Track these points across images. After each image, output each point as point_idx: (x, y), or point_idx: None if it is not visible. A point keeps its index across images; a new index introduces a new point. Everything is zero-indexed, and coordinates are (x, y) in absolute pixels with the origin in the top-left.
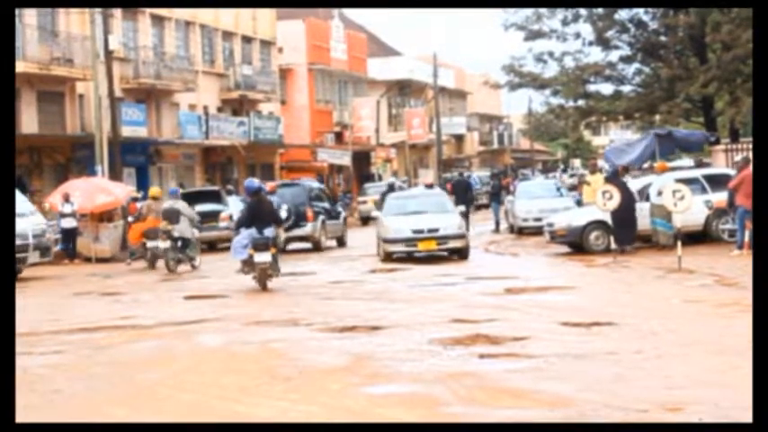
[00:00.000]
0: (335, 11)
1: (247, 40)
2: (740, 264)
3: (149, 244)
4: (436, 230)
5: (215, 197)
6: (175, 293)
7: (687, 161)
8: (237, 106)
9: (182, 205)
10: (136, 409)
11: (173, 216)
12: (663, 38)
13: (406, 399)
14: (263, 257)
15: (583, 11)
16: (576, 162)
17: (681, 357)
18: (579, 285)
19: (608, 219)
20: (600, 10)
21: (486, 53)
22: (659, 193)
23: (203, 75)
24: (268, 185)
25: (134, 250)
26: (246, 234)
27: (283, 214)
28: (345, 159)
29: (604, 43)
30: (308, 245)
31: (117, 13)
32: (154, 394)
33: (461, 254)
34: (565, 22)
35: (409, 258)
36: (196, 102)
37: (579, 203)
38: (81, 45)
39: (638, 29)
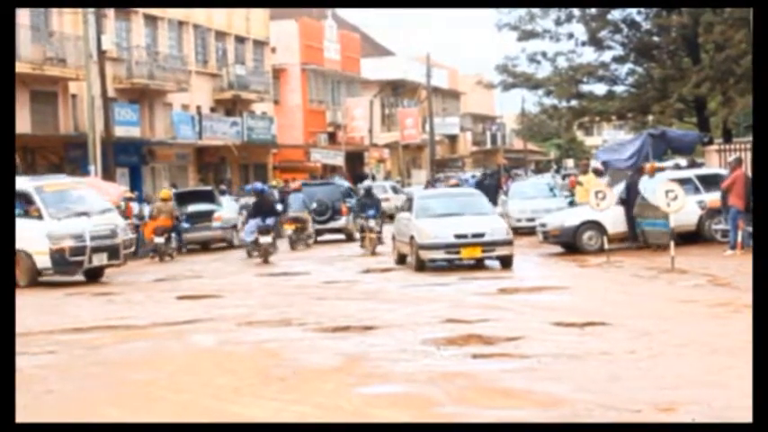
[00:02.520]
0: (329, 11)
1: (240, 40)
2: (733, 264)
3: (157, 240)
4: (481, 235)
5: (208, 197)
6: (168, 293)
7: (680, 161)
8: (230, 106)
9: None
10: (129, 410)
11: None
12: (656, 38)
13: (399, 399)
14: (266, 239)
15: (576, 11)
16: (570, 162)
17: (674, 357)
18: (572, 285)
19: (601, 219)
20: (593, 10)
21: (479, 53)
22: (650, 194)
23: (196, 75)
24: (293, 185)
25: (151, 246)
26: (253, 223)
27: (313, 207)
28: (338, 160)
29: (597, 43)
30: (341, 236)
31: (110, 13)
32: (147, 394)
33: (507, 262)
34: (558, 23)
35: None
36: (189, 102)
37: (572, 204)
38: (74, 45)
39: (630, 29)
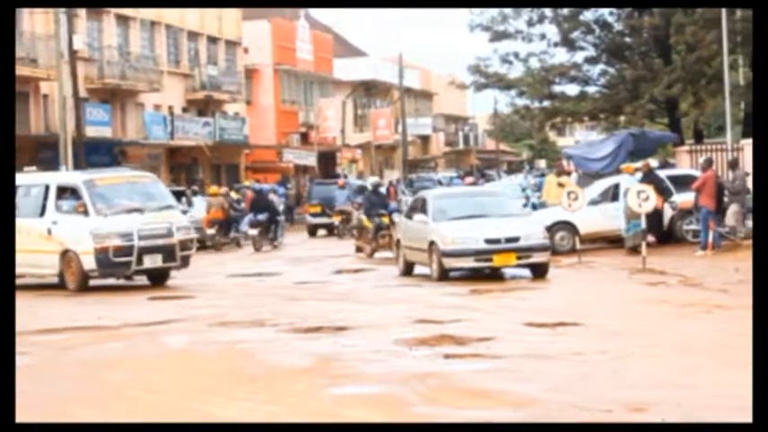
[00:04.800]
0: (302, 11)
1: (213, 40)
2: (704, 264)
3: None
4: (516, 239)
5: (180, 198)
6: (141, 294)
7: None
8: (203, 107)
9: None
10: (102, 410)
11: None
12: (627, 39)
13: (371, 399)
14: (253, 231)
15: (548, 12)
16: (542, 163)
17: (645, 358)
18: (544, 286)
19: (573, 219)
20: (565, 11)
21: (451, 54)
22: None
23: (168, 75)
24: (339, 181)
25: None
26: (248, 218)
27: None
28: (311, 160)
29: (569, 44)
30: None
31: (81, 12)
32: (120, 395)
33: (542, 271)
34: (530, 23)
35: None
36: (161, 102)
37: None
38: (45, 45)
39: (602, 30)
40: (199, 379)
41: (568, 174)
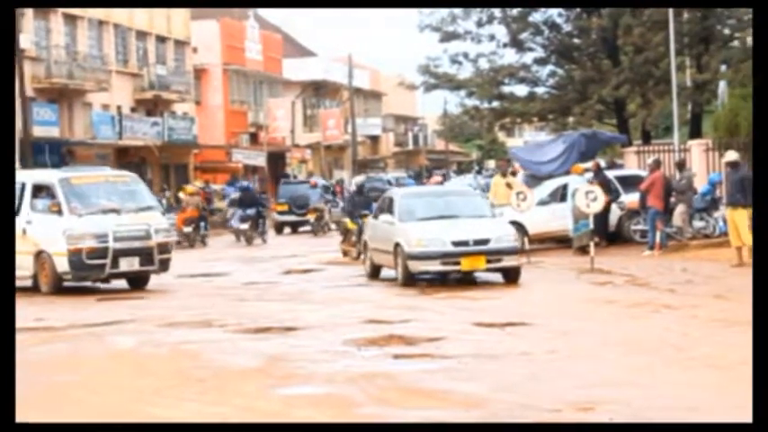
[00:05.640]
0: (250, 11)
1: (161, 39)
2: (651, 264)
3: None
4: (485, 242)
5: None
6: (89, 295)
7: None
8: (151, 106)
9: None
10: (49, 412)
11: None
12: (576, 40)
13: (320, 399)
14: (244, 226)
15: (497, 13)
16: (491, 163)
17: (593, 357)
18: (494, 286)
19: (522, 220)
20: (514, 12)
21: (401, 54)
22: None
23: (117, 74)
24: (312, 181)
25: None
26: (238, 213)
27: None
28: (260, 160)
29: (519, 45)
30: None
31: (28, 11)
32: (66, 397)
33: (513, 276)
34: (479, 24)
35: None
36: (109, 102)
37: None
38: None
39: (551, 31)
40: (146, 380)
41: (514, 173)
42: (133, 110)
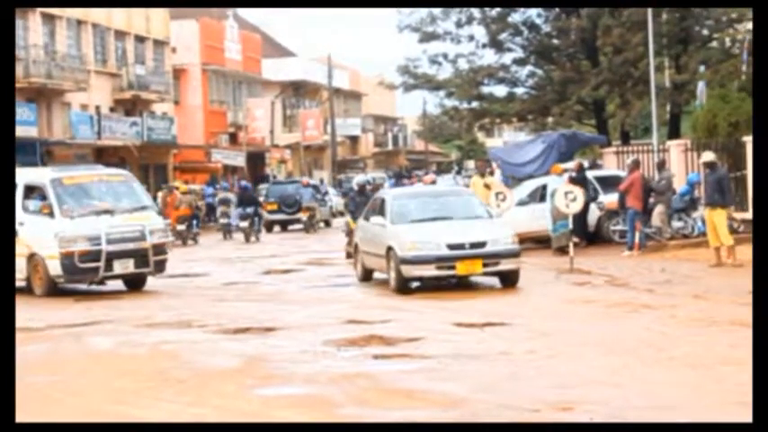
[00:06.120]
0: (230, 11)
1: (140, 39)
2: (630, 264)
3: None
4: (482, 245)
5: None
6: (67, 296)
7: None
8: (130, 106)
9: None
10: (27, 413)
11: None
12: (555, 41)
13: (299, 400)
14: (244, 224)
15: (476, 13)
16: (470, 163)
17: (572, 357)
18: (474, 287)
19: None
20: (493, 13)
21: (380, 55)
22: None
23: (95, 74)
24: (303, 180)
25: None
26: (237, 212)
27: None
28: (239, 160)
29: (498, 46)
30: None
31: None
32: (45, 398)
33: (512, 279)
34: (459, 25)
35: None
36: (88, 102)
37: None
38: None
39: (530, 32)
40: (126, 381)
41: (492, 173)
42: (112, 110)
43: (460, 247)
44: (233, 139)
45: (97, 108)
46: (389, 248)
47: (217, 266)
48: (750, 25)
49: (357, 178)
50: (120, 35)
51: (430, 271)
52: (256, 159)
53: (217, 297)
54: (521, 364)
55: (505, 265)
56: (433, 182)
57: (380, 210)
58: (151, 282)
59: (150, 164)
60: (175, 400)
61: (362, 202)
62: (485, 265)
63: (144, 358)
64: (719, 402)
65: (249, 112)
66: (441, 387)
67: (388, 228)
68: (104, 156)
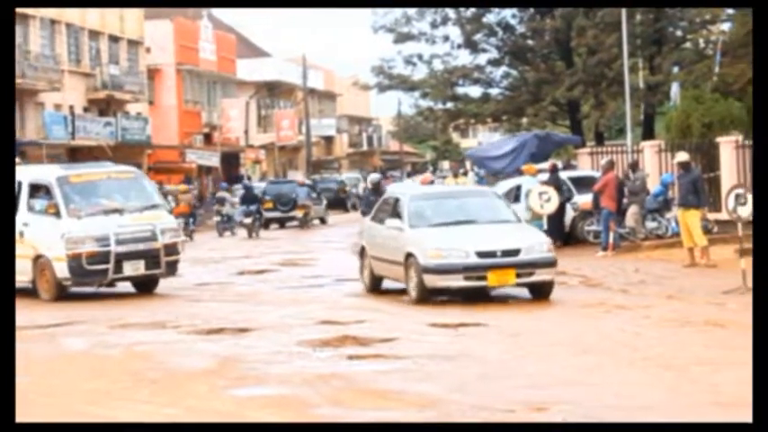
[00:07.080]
0: (204, 11)
1: (114, 39)
2: (605, 265)
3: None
4: (515, 252)
5: None
6: (39, 297)
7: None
8: (104, 106)
9: None
10: None
11: None
12: (530, 42)
13: (274, 401)
14: (248, 220)
15: (451, 14)
16: (445, 164)
17: (545, 358)
18: None
19: None
20: (468, 13)
21: (355, 55)
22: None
23: (69, 74)
24: (299, 180)
25: None
26: (241, 209)
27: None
28: (214, 160)
29: (472, 46)
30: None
31: None
32: (18, 399)
33: (545, 291)
34: (434, 25)
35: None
36: (62, 101)
37: None
38: None
39: (505, 32)
40: (99, 382)
41: (466, 173)
42: (86, 110)
43: (492, 254)
44: (207, 139)
45: (71, 108)
46: (409, 255)
47: (189, 267)
48: (724, 26)
49: (371, 176)
50: (94, 35)
51: (457, 282)
52: (231, 159)
53: (190, 297)
54: (495, 364)
55: (540, 276)
56: (432, 182)
57: (395, 211)
58: (118, 282)
59: (124, 164)
60: (149, 401)
61: (376, 202)
62: (518, 276)
63: (117, 359)
64: (694, 403)
65: (224, 112)
66: (415, 387)
67: (407, 232)
68: (78, 156)
